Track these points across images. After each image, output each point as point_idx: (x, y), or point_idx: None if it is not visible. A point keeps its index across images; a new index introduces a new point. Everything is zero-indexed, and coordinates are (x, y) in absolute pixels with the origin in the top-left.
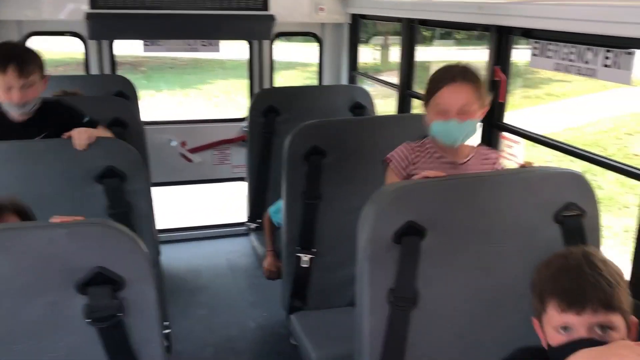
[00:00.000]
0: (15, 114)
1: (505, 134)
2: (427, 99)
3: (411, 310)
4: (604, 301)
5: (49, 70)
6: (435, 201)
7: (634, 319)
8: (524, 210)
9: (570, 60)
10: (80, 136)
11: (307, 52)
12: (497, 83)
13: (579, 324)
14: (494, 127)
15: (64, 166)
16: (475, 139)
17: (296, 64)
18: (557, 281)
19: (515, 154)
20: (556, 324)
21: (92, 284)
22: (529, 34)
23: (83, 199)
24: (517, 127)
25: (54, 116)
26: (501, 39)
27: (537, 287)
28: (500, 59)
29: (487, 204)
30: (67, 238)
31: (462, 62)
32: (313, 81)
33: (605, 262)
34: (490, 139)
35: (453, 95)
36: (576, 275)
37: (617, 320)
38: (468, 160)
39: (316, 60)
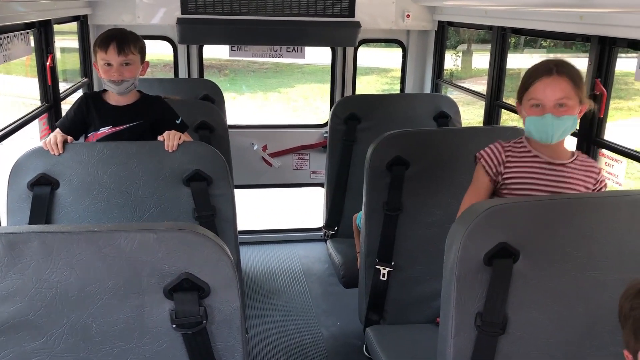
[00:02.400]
0: (114, 91)
1: (604, 151)
2: (521, 94)
3: (499, 336)
4: None
5: None
6: (531, 222)
7: None
8: (629, 237)
9: None
10: (171, 138)
11: (386, 57)
12: (597, 97)
13: None
14: (593, 143)
15: (154, 168)
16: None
17: (375, 69)
18: None
19: (615, 173)
20: None
21: (179, 290)
22: (636, 45)
23: (171, 200)
24: (618, 145)
25: (151, 109)
26: (603, 50)
27: (633, 321)
28: (602, 71)
29: (587, 228)
30: (156, 242)
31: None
32: (392, 87)
33: None
34: (588, 156)
35: (549, 88)
36: None
37: None
38: (568, 162)
39: (396, 65)
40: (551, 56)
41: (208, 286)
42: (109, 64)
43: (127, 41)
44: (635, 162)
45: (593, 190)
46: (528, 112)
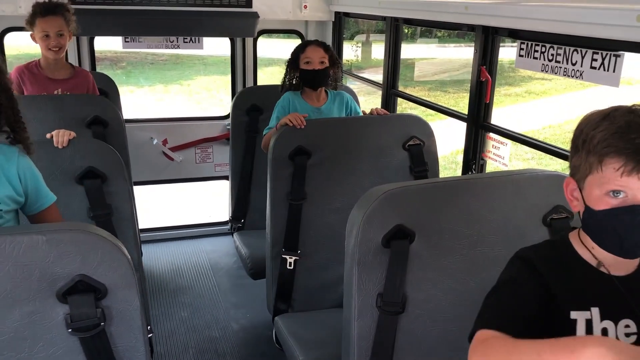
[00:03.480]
0: None
1: (491, 134)
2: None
3: (399, 314)
4: None
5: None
6: (424, 204)
7: None
8: (513, 213)
9: (557, 62)
10: (60, 134)
11: (289, 48)
12: (483, 83)
13: (638, 188)
14: (480, 127)
15: (43, 167)
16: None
17: (278, 60)
18: (628, 139)
19: (502, 154)
20: (610, 187)
21: (73, 293)
22: (515, 34)
23: (63, 200)
24: (503, 128)
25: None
26: (487, 39)
27: (591, 142)
28: (486, 59)
29: (476, 207)
30: (46, 245)
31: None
32: None
33: None
34: (477, 139)
35: None
36: None
37: None
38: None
39: None
40: (448, 46)
41: (105, 287)
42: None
43: None
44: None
45: None
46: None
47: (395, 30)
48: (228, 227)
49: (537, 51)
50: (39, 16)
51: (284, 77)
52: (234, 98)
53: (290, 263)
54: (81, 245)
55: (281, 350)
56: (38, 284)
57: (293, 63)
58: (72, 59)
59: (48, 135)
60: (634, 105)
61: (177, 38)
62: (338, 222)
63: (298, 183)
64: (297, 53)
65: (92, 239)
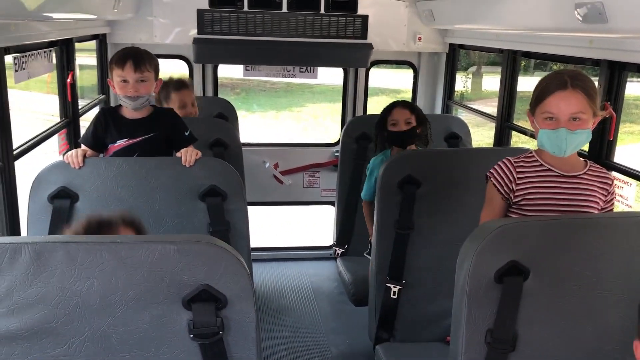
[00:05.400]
0: (129, 106)
1: (614, 173)
2: (534, 105)
3: (509, 353)
4: None
5: None
6: (541, 241)
7: None
8: (637, 257)
9: None
10: (189, 154)
11: (397, 78)
12: (607, 120)
13: None
14: (603, 165)
15: (171, 183)
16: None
17: (385, 89)
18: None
19: (625, 195)
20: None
21: (197, 301)
22: None
23: (186, 215)
24: (628, 167)
25: (164, 121)
26: (613, 74)
27: None
28: (611, 94)
29: (597, 248)
30: (177, 254)
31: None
32: None
33: None
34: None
35: (563, 103)
36: None
37: None
38: (582, 174)
39: (406, 86)
40: None
41: (225, 297)
42: (125, 81)
43: (142, 59)
44: None
45: (605, 200)
46: (541, 125)
47: (513, 63)
48: (331, 252)
49: None
50: None
51: (375, 138)
52: (345, 126)
53: (394, 292)
54: (207, 257)
55: None
56: (167, 290)
57: (380, 124)
58: (197, 85)
59: (178, 154)
60: None
61: (294, 67)
62: (445, 255)
63: (406, 212)
64: (384, 115)
65: (217, 251)
